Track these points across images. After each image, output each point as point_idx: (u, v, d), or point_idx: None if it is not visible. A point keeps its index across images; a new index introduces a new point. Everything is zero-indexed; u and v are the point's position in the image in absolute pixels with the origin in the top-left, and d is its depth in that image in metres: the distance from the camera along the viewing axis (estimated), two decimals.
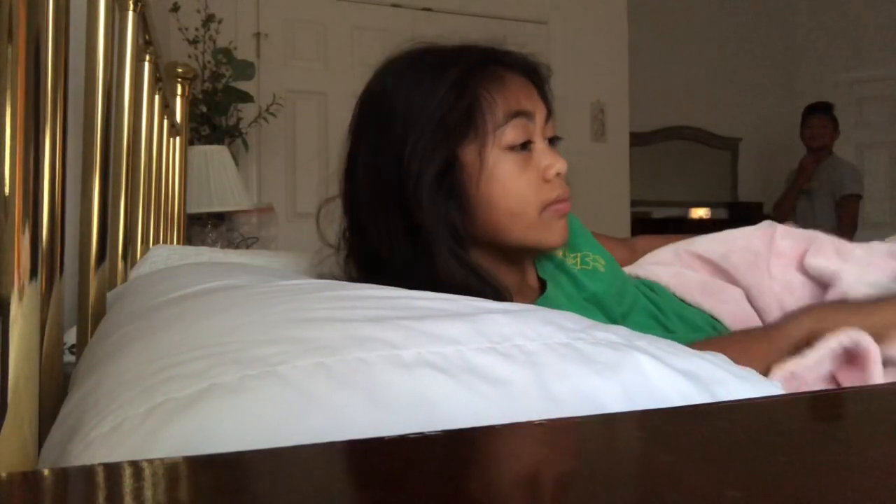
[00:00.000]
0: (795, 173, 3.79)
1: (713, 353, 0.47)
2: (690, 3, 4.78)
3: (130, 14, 1.05)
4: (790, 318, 0.73)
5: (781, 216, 3.84)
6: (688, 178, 4.91)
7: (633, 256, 1.09)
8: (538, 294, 0.85)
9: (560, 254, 0.89)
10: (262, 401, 0.33)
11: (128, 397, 0.35)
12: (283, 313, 0.43)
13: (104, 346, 0.51)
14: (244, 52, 2.90)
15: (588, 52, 3.61)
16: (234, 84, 2.71)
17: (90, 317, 0.83)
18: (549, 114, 0.80)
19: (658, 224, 4.42)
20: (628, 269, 1.01)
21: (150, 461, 0.26)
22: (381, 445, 0.27)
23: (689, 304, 0.95)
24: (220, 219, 2.59)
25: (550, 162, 0.77)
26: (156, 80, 1.35)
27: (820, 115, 3.72)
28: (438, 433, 0.28)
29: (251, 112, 2.86)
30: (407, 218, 0.74)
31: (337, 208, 0.88)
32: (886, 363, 0.66)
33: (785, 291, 0.94)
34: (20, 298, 0.40)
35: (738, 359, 0.46)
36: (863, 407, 0.35)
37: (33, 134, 0.41)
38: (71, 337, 0.94)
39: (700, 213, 4.75)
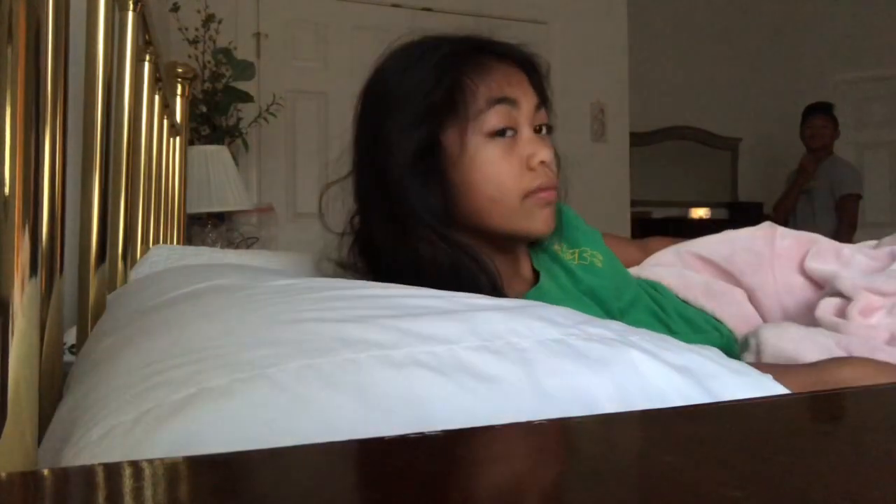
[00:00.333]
0: (795, 173, 3.80)
1: (707, 347, 0.47)
2: (690, 3, 4.78)
3: (130, 14, 1.04)
4: (836, 362, 0.70)
5: (781, 216, 3.84)
6: (688, 178, 4.91)
7: (646, 257, 1.09)
8: (531, 285, 0.84)
9: (557, 248, 0.89)
10: (252, 404, 0.33)
11: (117, 404, 0.35)
12: (271, 315, 0.43)
13: (96, 352, 0.52)
14: (244, 52, 2.90)
15: (588, 52, 3.61)
16: (234, 84, 2.71)
17: (90, 317, 0.83)
18: (543, 104, 0.80)
19: (658, 224, 4.42)
20: (632, 271, 1.01)
21: (150, 461, 0.26)
22: (381, 445, 0.27)
23: (692, 305, 0.95)
24: (220, 219, 2.59)
25: (534, 150, 0.76)
26: (156, 80, 1.35)
27: (820, 115, 3.72)
28: (438, 433, 0.28)
29: (251, 112, 2.86)
30: (388, 199, 0.76)
31: (337, 200, 0.88)
32: None
33: (785, 293, 0.94)
34: (20, 298, 0.40)
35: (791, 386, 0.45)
36: (863, 407, 0.35)
37: (33, 134, 0.41)
38: (71, 337, 0.94)
39: (700, 213, 4.75)
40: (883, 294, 0.80)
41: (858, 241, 1.02)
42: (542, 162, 0.76)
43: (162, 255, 1.20)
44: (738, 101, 4.89)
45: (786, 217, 3.84)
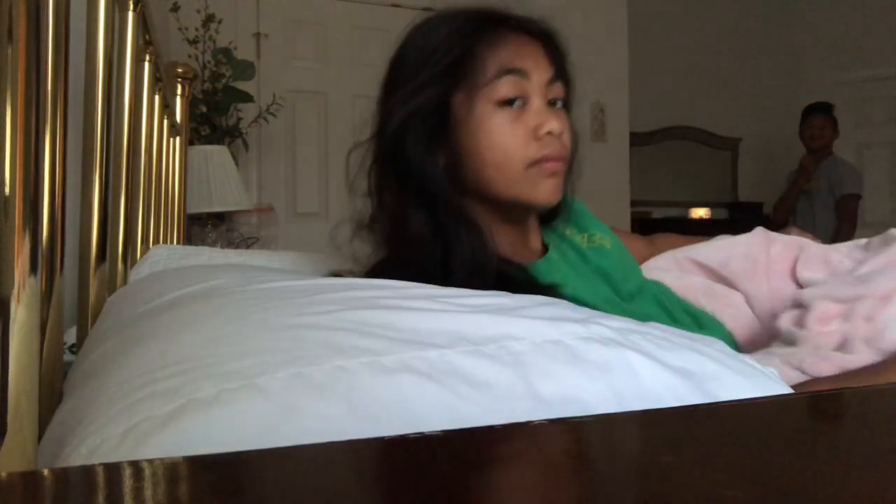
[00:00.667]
0: (795, 173, 3.79)
1: (714, 340, 0.47)
2: (690, 3, 4.78)
3: (130, 14, 1.04)
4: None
5: (781, 216, 3.84)
6: (688, 178, 4.90)
7: (654, 253, 1.10)
8: (540, 257, 0.85)
9: (567, 232, 0.91)
10: (241, 414, 0.33)
11: (107, 417, 0.35)
12: (260, 322, 0.42)
13: (90, 359, 0.51)
14: (244, 52, 2.90)
15: (588, 52, 3.60)
16: (234, 84, 2.71)
17: (90, 317, 0.83)
18: (557, 77, 0.81)
19: (658, 224, 4.42)
20: None
21: (150, 461, 0.26)
22: (381, 445, 0.27)
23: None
24: (220, 219, 2.59)
25: (542, 121, 0.77)
26: (156, 80, 1.35)
27: (820, 116, 3.72)
28: (438, 433, 0.28)
29: (251, 112, 2.86)
30: (400, 160, 0.78)
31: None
32: None
33: (777, 299, 0.95)
34: (20, 298, 0.40)
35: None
36: (863, 407, 0.35)
37: (33, 134, 0.41)
38: (71, 337, 0.94)
39: (700, 213, 4.75)
40: (840, 301, 0.81)
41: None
42: (550, 133, 0.77)
43: (162, 255, 1.20)
44: (738, 101, 4.89)
45: (786, 217, 3.84)
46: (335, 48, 3.27)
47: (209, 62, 2.71)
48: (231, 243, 2.58)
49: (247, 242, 2.63)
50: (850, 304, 0.81)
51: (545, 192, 0.79)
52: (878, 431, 0.30)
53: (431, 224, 0.77)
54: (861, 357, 0.75)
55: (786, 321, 0.85)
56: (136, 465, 0.26)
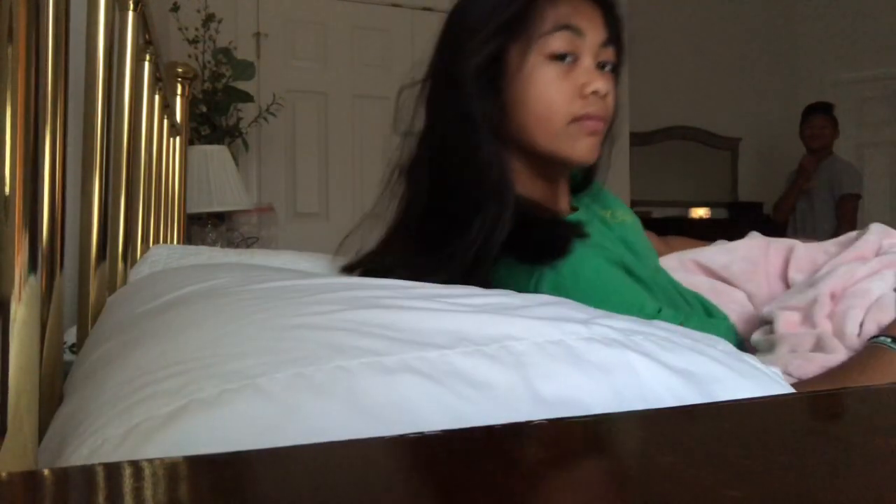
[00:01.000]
0: (795, 173, 3.80)
1: (719, 340, 0.47)
2: (690, 3, 4.78)
3: (130, 14, 1.04)
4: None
5: (781, 216, 3.84)
6: (688, 178, 4.90)
7: (668, 250, 1.13)
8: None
9: (592, 206, 0.95)
10: (242, 414, 0.33)
11: (108, 418, 0.35)
12: (261, 322, 0.42)
13: (90, 360, 0.51)
14: (244, 52, 2.91)
15: None
16: (234, 84, 2.71)
17: (90, 316, 0.83)
18: (610, 42, 0.84)
19: (658, 224, 4.42)
20: None
21: (150, 461, 0.26)
22: (381, 445, 0.27)
23: None
24: (220, 219, 2.59)
25: (589, 79, 0.80)
26: (156, 80, 1.35)
27: (820, 116, 3.73)
28: (438, 433, 0.28)
29: (251, 112, 2.86)
30: (454, 105, 0.82)
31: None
32: None
33: (771, 299, 0.99)
34: (20, 298, 0.40)
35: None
36: (863, 407, 0.35)
37: (33, 134, 0.41)
38: (71, 337, 0.94)
39: (700, 212, 4.75)
40: (797, 309, 0.86)
41: None
42: (595, 92, 0.80)
43: (162, 254, 1.20)
44: (738, 101, 4.89)
45: (786, 217, 3.85)
46: (335, 48, 3.27)
47: (209, 62, 2.71)
48: (231, 243, 2.58)
49: (247, 242, 2.64)
50: (808, 309, 0.85)
51: (583, 149, 0.82)
52: (878, 431, 0.30)
53: (470, 158, 0.80)
54: (839, 356, 0.78)
55: (756, 335, 0.89)
56: (136, 465, 0.26)
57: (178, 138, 1.74)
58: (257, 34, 3.10)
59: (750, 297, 0.99)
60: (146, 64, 1.26)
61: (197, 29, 2.69)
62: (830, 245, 0.99)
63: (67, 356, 0.87)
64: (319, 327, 0.41)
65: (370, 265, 0.89)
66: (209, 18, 2.70)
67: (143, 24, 1.13)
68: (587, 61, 0.81)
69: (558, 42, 0.80)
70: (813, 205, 3.73)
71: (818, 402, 0.37)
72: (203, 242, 2.45)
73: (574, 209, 0.93)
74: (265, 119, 2.83)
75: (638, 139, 4.23)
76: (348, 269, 0.92)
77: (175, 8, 2.61)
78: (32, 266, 0.41)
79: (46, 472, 0.26)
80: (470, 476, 0.25)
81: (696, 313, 0.88)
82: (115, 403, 0.36)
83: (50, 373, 0.57)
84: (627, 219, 0.95)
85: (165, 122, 1.53)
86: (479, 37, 0.80)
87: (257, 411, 0.33)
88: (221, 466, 0.25)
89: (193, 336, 0.42)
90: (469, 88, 0.80)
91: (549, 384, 0.37)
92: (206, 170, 2.36)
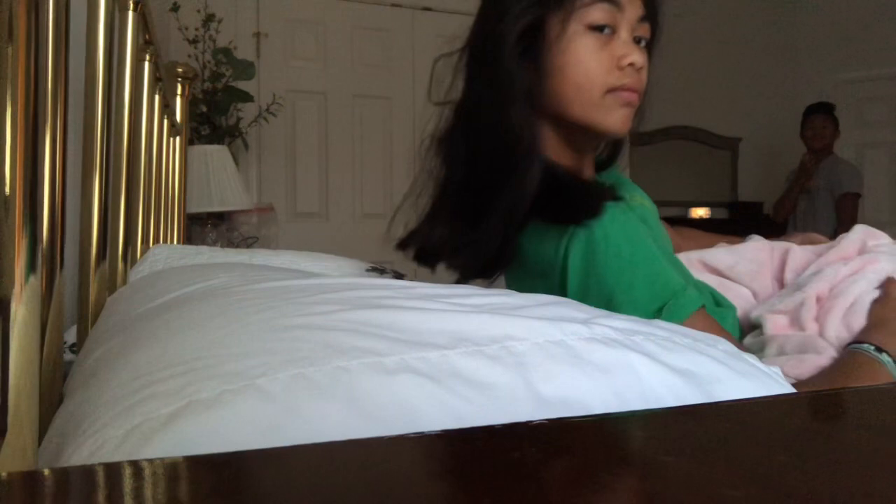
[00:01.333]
0: (796, 173, 3.80)
1: (720, 340, 0.47)
2: (690, 3, 4.78)
3: (130, 14, 1.05)
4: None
5: (781, 215, 3.84)
6: (688, 178, 4.90)
7: (680, 242, 1.16)
8: None
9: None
10: (242, 415, 0.33)
11: (108, 418, 0.35)
12: (260, 322, 0.42)
13: (89, 361, 0.51)
14: (244, 52, 2.91)
15: None
16: (234, 84, 2.71)
17: (90, 316, 0.83)
18: (647, 18, 0.86)
19: None
20: None
21: (150, 461, 0.26)
22: (381, 445, 0.27)
23: None
24: (220, 218, 2.59)
25: (626, 52, 0.82)
26: (156, 79, 1.35)
27: (821, 116, 3.73)
28: (438, 432, 0.28)
29: (251, 112, 2.86)
30: (491, 71, 0.84)
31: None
32: None
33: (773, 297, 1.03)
34: (20, 298, 0.40)
35: None
36: (863, 407, 0.35)
37: (33, 134, 0.41)
38: (71, 337, 0.94)
39: (700, 212, 4.75)
40: (784, 312, 0.89)
41: None
42: (632, 64, 0.82)
43: (162, 254, 1.20)
44: (738, 101, 4.89)
45: (786, 216, 3.84)
46: (335, 48, 3.27)
47: (209, 62, 2.71)
48: (231, 243, 2.58)
49: (247, 242, 2.64)
50: (794, 312, 0.88)
51: (617, 119, 0.83)
52: (878, 431, 0.30)
53: (503, 124, 0.82)
54: (828, 356, 0.81)
55: (748, 339, 0.91)
56: (136, 465, 0.26)
57: (178, 138, 1.74)
58: (257, 34, 3.10)
59: (755, 295, 1.02)
60: (146, 64, 1.26)
61: (197, 29, 2.70)
62: (822, 247, 1.02)
63: (67, 356, 0.87)
64: (319, 327, 0.41)
65: (421, 243, 0.92)
66: (209, 18, 2.71)
67: (143, 24, 1.13)
68: (624, 34, 0.83)
69: (598, 13, 0.81)
70: (813, 204, 3.73)
71: (818, 402, 0.37)
72: (203, 242, 2.45)
73: None
74: (265, 119, 2.83)
75: (638, 139, 4.23)
76: (401, 246, 0.94)
77: (175, 8, 2.61)
78: (32, 266, 0.41)
79: (46, 471, 0.26)
80: (469, 476, 0.25)
81: (707, 301, 0.88)
82: (115, 404, 0.36)
83: (50, 373, 0.57)
84: (646, 203, 0.96)
85: (165, 122, 1.53)
86: (521, 5, 0.82)
87: (257, 412, 0.33)
88: (221, 466, 0.25)
89: (193, 336, 0.42)
90: (508, 55, 0.82)
91: (550, 384, 0.37)
92: (206, 170, 2.36)
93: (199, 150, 2.41)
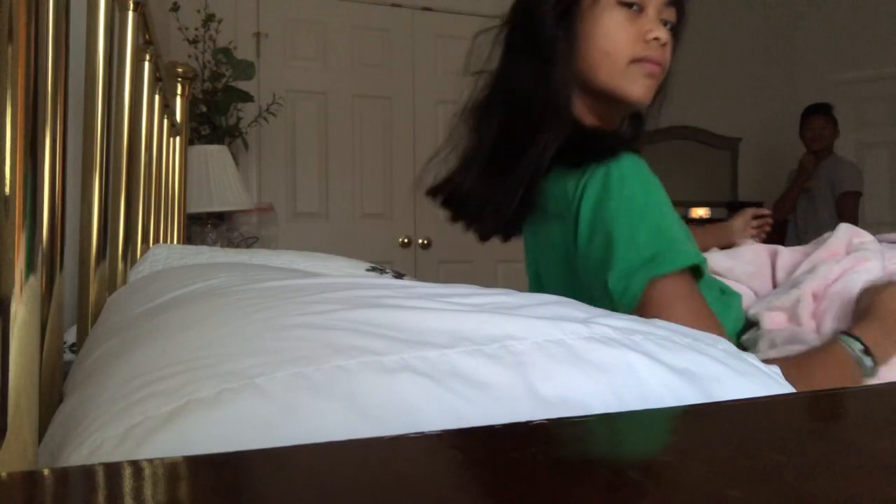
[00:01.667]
0: (796, 172, 3.80)
1: (720, 339, 0.47)
2: (690, 3, 4.77)
3: (130, 14, 1.05)
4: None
5: (782, 214, 3.84)
6: (688, 178, 4.90)
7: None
8: None
9: None
10: (241, 414, 0.33)
11: (107, 417, 0.35)
12: (260, 322, 0.42)
13: (89, 360, 0.51)
14: (244, 52, 2.90)
15: None
16: (234, 84, 2.71)
17: (90, 316, 0.83)
18: (674, 3, 0.95)
19: None
20: None
21: (150, 461, 0.26)
22: (381, 445, 0.27)
23: None
24: (220, 218, 2.59)
25: (652, 27, 0.91)
26: (156, 79, 1.35)
27: (820, 117, 3.73)
28: (438, 432, 0.28)
29: (251, 112, 2.86)
30: (530, 38, 0.93)
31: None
32: None
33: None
34: (20, 298, 0.40)
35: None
36: (863, 407, 0.35)
37: (33, 134, 0.41)
38: (71, 337, 0.94)
39: (700, 212, 4.75)
40: (781, 309, 0.92)
41: None
42: (657, 39, 0.90)
43: (162, 254, 1.20)
44: (738, 101, 4.89)
45: (786, 215, 3.84)
46: (335, 48, 3.27)
47: (209, 62, 2.71)
48: (231, 243, 2.58)
49: (247, 242, 2.64)
50: (792, 309, 0.91)
51: (640, 88, 0.91)
52: (878, 431, 0.30)
53: (540, 87, 0.91)
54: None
55: (745, 336, 0.94)
56: (136, 465, 0.26)
57: (178, 138, 1.74)
58: (257, 34, 3.10)
59: (756, 293, 1.04)
60: (146, 64, 1.26)
61: (197, 29, 2.69)
62: (809, 246, 1.07)
63: (67, 356, 0.87)
64: (319, 327, 0.41)
65: (451, 190, 0.99)
66: (209, 18, 2.70)
67: (143, 24, 1.13)
68: (651, 13, 0.92)
69: None
70: (814, 203, 3.73)
71: (818, 402, 0.37)
72: (203, 242, 2.45)
73: None
74: (265, 119, 2.83)
75: None
76: (432, 193, 1.02)
77: (175, 8, 2.61)
78: (32, 266, 0.41)
79: (46, 471, 0.26)
80: (469, 476, 0.25)
81: (712, 289, 0.93)
82: (114, 403, 0.36)
83: (50, 373, 0.57)
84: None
85: (165, 122, 1.53)
86: None
87: (257, 411, 0.33)
88: (221, 466, 0.25)
89: (193, 336, 0.42)
90: (548, 25, 0.91)
91: (549, 384, 0.37)
92: (206, 170, 2.36)
93: (199, 150, 2.41)
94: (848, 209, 3.63)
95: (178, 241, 1.79)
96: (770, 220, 1.29)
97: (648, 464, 0.26)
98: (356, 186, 3.28)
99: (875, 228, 1.10)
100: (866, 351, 0.79)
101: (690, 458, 0.26)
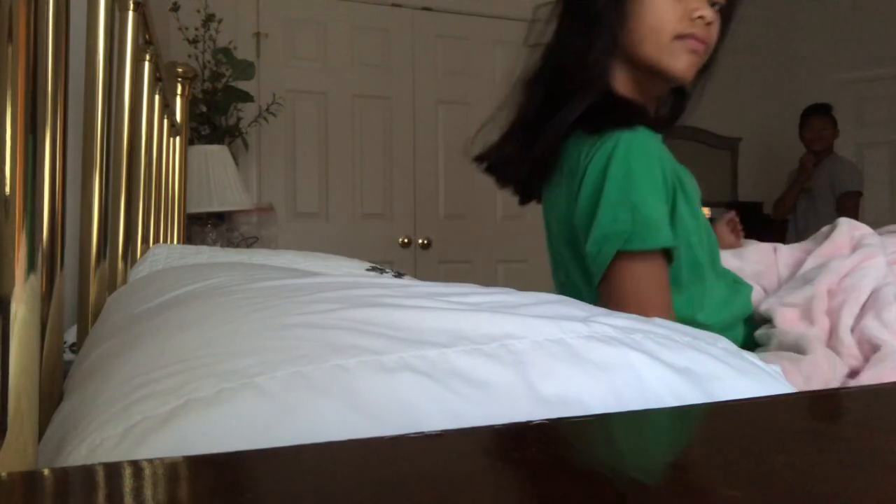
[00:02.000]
0: (796, 172, 3.80)
1: (721, 338, 0.47)
2: None
3: (130, 14, 1.05)
4: None
5: (782, 214, 3.84)
6: None
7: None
8: None
9: None
10: (240, 413, 0.33)
11: (106, 417, 0.35)
12: (259, 321, 0.42)
13: (88, 360, 0.51)
14: (244, 52, 2.90)
15: None
16: (234, 84, 2.71)
17: (90, 316, 0.83)
18: None
19: None
20: None
21: (150, 461, 0.26)
22: (380, 445, 0.27)
23: None
24: (220, 218, 2.59)
25: (698, 6, 0.95)
26: (156, 79, 1.35)
27: (820, 118, 3.73)
28: (437, 432, 0.28)
29: (251, 112, 2.86)
30: (584, 16, 0.99)
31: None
32: None
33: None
34: (20, 297, 0.40)
35: None
36: (863, 407, 0.35)
37: (33, 134, 0.41)
38: (71, 336, 0.94)
39: None
40: (794, 305, 0.94)
41: None
42: (702, 17, 0.95)
43: (162, 254, 1.20)
44: (738, 101, 4.89)
45: (786, 215, 3.85)
46: (335, 48, 3.27)
47: (209, 62, 2.71)
48: (231, 243, 2.58)
49: (247, 242, 2.64)
50: (806, 305, 0.93)
51: (683, 64, 0.96)
52: (878, 431, 0.30)
53: (584, 55, 0.97)
54: (812, 356, 0.85)
55: (759, 331, 0.96)
56: (136, 465, 0.26)
57: (178, 138, 1.74)
58: (257, 34, 3.10)
59: (765, 290, 1.07)
60: (146, 64, 1.26)
61: (197, 29, 2.69)
62: (808, 243, 1.09)
63: (67, 356, 0.87)
64: (318, 326, 0.41)
65: (495, 156, 1.07)
66: (209, 18, 2.70)
67: (143, 24, 1.13)
68: None
69: None
70: (814, 203, 3.73)
71: (818, 402, 0.37)
72: (203, 242, 2.45)
73: None
74: (265, 119, 2.83)
75: None
76: (478, 159, 1.09)
77: (175, 8, 2.61)
78: (32, 266, 0.41)
79: (46, 471, 0.26)
80: (469, 475, 0.25)
81: (727, 278, 0.99)
82: (113, 402, 0.36)
83: (50, 373, 0.57)
84: (689, 180, 1.05)
85: (165, 122, 1.53)
86: None
87: (256, 410, 0.33)
88: (221, 466, 0.25)
89: (192, 335, 0.42)
90: (602, 4, 0.96)
91: (549, 383, 0.37)
92: (206, 170, 2.36)
93: (199, 150, 2.41)
94: (848, 209, 3.63)
95: (178, 241, 1.79)
96: (736, 221, 1.33)
97: (648, 464, 0.26)
98: (356, 186, 3.28)
99: (875, 228, 1.10)
100: None
101: (690, 458, 0.26)
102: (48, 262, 0.54)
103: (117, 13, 1.00)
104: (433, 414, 0.34)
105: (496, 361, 0.38)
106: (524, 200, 1.10)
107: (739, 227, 1.33)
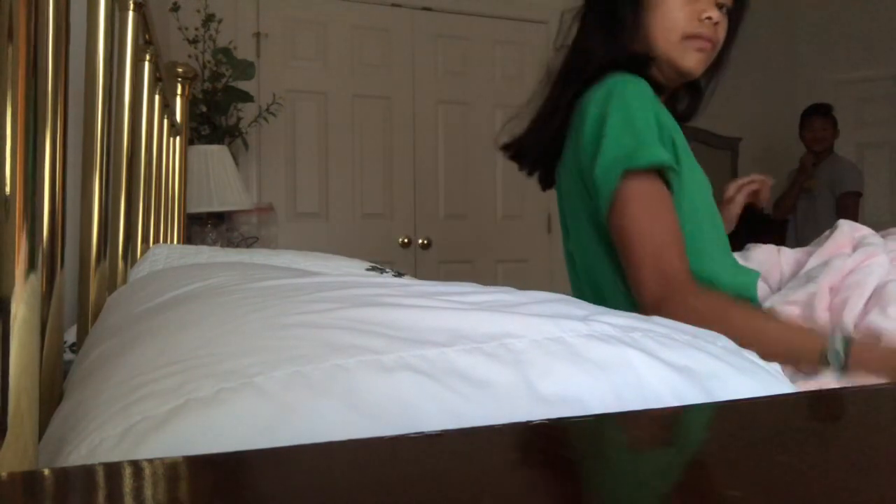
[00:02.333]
0: (796, 172, 3.80)
1: (718, 336, 0.47)
2: None
3: (130, 14, 1.05)
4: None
5: (782, 214, 3.84)
6: None
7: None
8: None
9: None
10: (239, 413, 0.33)
11: (105, 417, 0.35)
12: (258, 321, 0.42)
13: (88, 360, 0.51)
14: (244, 52, 2.90)
15: None
16: (234, 84, 2.71)
17: (90, 316, 0.83)
18: None
19: None
20: None
21: (150, 461, 0.26)
22: (380, 445, 0.27)
23: None
24: (220, 218, 2.59)
25: (706, 8, 1.05)
26: (156, 79, 1.35)
27: (820, 118, 3.73)
28: (437, 432, 0.28)
29: (251, 112, 2.86)
30: (604, 17, 1.09)
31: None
32: None
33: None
34: (20, 298, 0.40)
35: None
36: (863, 407, 0.35)
37: (33, 134, 0.41)
38: (71, 336, 0.94)
39: None
40: (797, 302, 0.96)
41: None
42: (709, 18, 1.04)
43: (162, 254, 1.20)
44: (738, 101, 4.88)
45: (786, 215, 3.84)
46: (335, 48, 3.27)
47: (209, 62, 2.71)
48: (231, 243, 2.58)
49: (247, 242, 2.64)
50: (807, 302, 0.95)
51: (690, 61, 1.06)
52: (878, 431, 0.30)
53: (601, 52, 1.06)
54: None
55: None
56: (136, 465, 0.26)
57: (178, 138, 1.74)
58: (257, 34, 3.10)
59: (771, 289, 1.09)
60: (146, 64, 1.26)
61: (197, 29, 2.69)
62: (808, 248, 1.10)
63: (67, 356, 0.87)
64: (317, 326, 0.41)
65: (519, 146, 1.16)
66: (209, 18, 2.70)
67: (143, 24, 1.13)
68: None
69: None
70: (814, 203, 3.73)
71: (818, 402, 0.37)
72: (203, 242, 2.45)
73: None
74: (265, 119, 2.83)
75: None
76: (504, 148, 1.19)
77: (175, 8, 2.61)
78: (32, 266, 0.41)
79: (46, 471, 0.26)
80: (469, 476, 0.25)
81: (733, 262, 1.06)
82: (113, 402, 0.36)
83: (50, 372, 0.57)
84: (679, 137, 1.09)
85: (165, 122, 1.53)
86: None
87: (255, 410, 0.33)
88: (221, 466, 0.25)
89: (191, 335, 0.42)
90: (620, 2, 1.06)
91: (548, 382, 0.37)
92: (206, 170, 2.36)
93: (199, 150, 2.41)
94: (848, 209, 3.63)
95: (178, 241, 1.79)
96: (754, 181, 1.30)
97: (649, 464, 0.26)
98: (356, 186, 3.28)
99: (875, 228, 1.11)
100: (847, 346, 0.82)
101: (691, 458, 0.26)
102: (48, 262, 0.54)
103: (117, 13, 1.00)
104: (433, 413, 0.34)
105: (496, 360, 0.38)
106: (546, 186, 1.19)
107: (753, 187, 1.29)
